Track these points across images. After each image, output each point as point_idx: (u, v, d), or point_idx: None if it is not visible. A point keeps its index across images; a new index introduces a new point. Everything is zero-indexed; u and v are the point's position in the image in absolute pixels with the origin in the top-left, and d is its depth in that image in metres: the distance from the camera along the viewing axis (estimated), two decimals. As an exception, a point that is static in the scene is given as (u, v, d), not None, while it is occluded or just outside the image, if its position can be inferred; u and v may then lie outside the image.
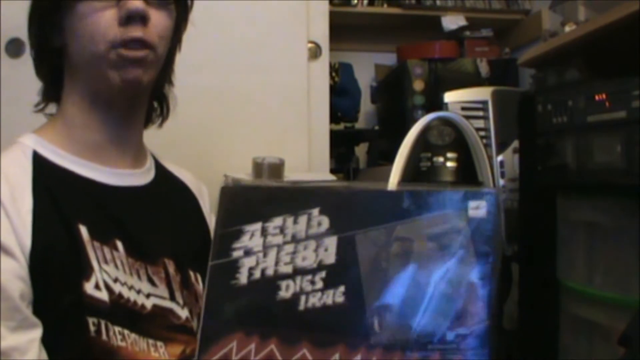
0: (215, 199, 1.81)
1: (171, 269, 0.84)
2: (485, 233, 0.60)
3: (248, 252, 0.61)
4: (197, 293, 0.88)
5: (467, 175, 1.52)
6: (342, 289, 0.60)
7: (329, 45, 1.77)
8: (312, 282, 0.60)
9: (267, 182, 0.66)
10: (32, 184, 0.74)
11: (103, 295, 0.74)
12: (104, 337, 0.73)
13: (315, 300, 0.60)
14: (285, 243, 0.61)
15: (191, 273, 0.89)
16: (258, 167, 1.60)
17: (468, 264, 0.60)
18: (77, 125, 0.82)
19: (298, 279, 0.61)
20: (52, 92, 0.85)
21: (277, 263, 0.61)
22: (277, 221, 0.62)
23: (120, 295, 0.76)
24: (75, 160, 0.80)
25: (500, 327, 1.60)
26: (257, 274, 0.61)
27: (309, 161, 1.74)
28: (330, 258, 0.61)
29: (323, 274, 0.61)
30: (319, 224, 0.61)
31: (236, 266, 0.61)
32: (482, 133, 1.82)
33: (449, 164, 1.51)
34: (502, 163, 1.82)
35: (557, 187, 1.31)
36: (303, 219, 0.61)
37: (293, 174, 1.62)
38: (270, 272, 0.61)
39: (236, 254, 0.61)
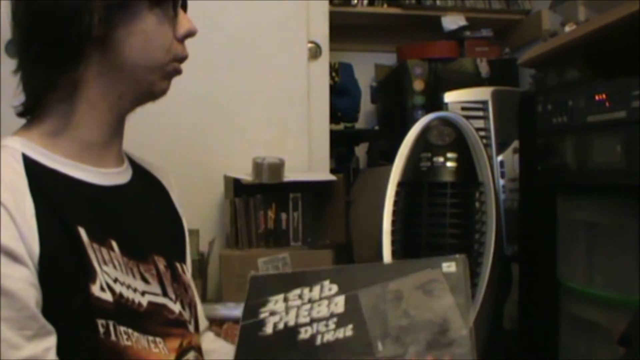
0: (216, 197, 1.80)
1: (161, 265, 0.86)
2: (456, 283, 0.78)
3: (273, 313, 0.76)
4: (186, 283, 0.90)
5: (467, 175, 1.52)
6: (350, 326, 0.75)
7: (329, 45, 1.77)
8: (327, 325, 0.75)
9: (287, 271, 0.78)
10: (29, 188, 0.73)
11: (108, 296, 0.74)
12: (113, 337, 0.74)
13: (329, 337, 0.75)
14: (303, 304, 0.77)
15: (177, 265, 0.90)
16: (258, 167, 1.60)
17: (446, 301, 0.77)
18: (80, 124, 0.81)
19: (315, 324, 0.75)
20: (68, 87, 0.79)
21: (297, 317, 0.76)
22: (296, 291, 0.78)
23: (121, 295, 0.76)
24: (64, 161, 0.79)
25: (500, 327, 1.60)
26: (280, 326, 0.76)
27: (309, 161, 1.75)
28: (339, 309, 0.76)
29: (335, 319, 0.76)
30: (330, 289, 0.78)
31: (263, 323, 0.76)
32: (482, 133, 1.82)
33: (449, 164, 1.51)
34: (502, 163, 1.82)
35: (557, 187, 1.31)
36: (317, 288, 0.78)
37: (293, 174, 1.62)
38: (291, 323, 0.76)
39: (263, 315, 0.76)
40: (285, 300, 0.77)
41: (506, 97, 1.89)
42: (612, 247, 1.18)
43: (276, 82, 1.71)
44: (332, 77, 2.08)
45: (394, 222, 1.52)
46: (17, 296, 0.67)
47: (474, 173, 1.52)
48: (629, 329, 0.89)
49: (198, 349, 0.88)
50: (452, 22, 2.27)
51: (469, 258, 1.52)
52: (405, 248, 1.51)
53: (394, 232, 1.52)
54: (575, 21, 1.47)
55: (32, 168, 0.76)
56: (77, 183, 0.80)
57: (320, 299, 0.77)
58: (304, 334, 0.74)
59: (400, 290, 0.78)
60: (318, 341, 0.74)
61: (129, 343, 0.75)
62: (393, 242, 1.53)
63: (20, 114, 0.82)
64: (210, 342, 1.02)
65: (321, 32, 1.77)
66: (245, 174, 1.61)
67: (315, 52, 1.76)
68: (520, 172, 1.52)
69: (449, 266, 0.81)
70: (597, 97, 1.13)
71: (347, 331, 0.75)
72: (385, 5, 2.31)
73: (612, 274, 1.16)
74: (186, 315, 0.87)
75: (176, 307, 0.85)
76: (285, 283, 0.79)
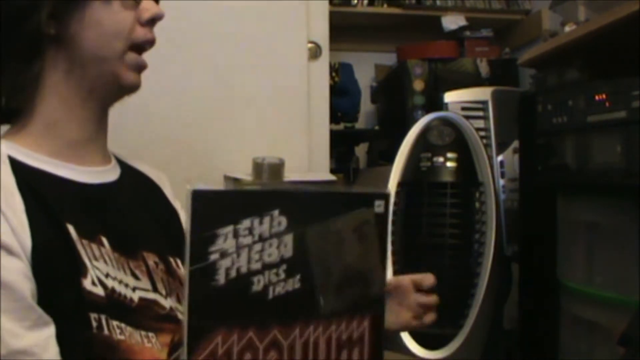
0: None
1: (151, 261, 0.86)
2: (383, 224, 0.77)
3: (224, 254, 0.67)
4: (181, 278, 0.90)
5: (467, 175, 1.52)
6: (298, 277, 0.71)
7: (329, 45, 1.77)
8: (277, 274, 0.70)
9: (234, 187, 0.71)
10: (17, 187, 0.74)
11: (99, 290, 0.75)
12: (106, 332, 0.74)
13: (280, 289, 0.70)
14: (254, 243, 0.69)
15: (172, 260, 0.90)
16: (258, 167, 1.60)
17: (375, 247, 0.76)
18: (58, 122, 0.81)
19: (266, 273, 0.69)
20: (32, 87, 0.81)
21: (249, 261, 0.69)
22: (246, 223, 0.69)
23: (113, 290, 0.77)
24: (50, 161, 0.80)
25: (500, 327, 1.60)
26: (233, 273, 0.67)
27: (309, 161, 1.74)
28: (288, 252, 0.71)
29: (284, 266, 0.70)
30: (279, 223, 0.71)
31: (214, 268, 0.67)
32: (482, 133, 1.82)
33: (449, 164, 1.52)
34: (502, 163, 1.82)
35: (557, 187, 1.31)
36: (267, 220, 0.70)
37: (293, 174, 1.62)
38: (244, 270, 0.68)
39: (213, 257, 0.67)
40: (236, 235, 0.68)
41: (506, 97, 1.89)
42: (612, 247, 1.18)
43: (276, 82, 1.71)
44: (332, 77, 2.08)
45: (394, 222, 1.52)
46: (14, 287, 0.68)
47: (474, 173, 1.52)
48: (629, 329, 0.89)
49: None
50: (452, 22, 2.27)
51: (469, 258, 1.52)
52: (406, 248, 1.51)
53: (394, 232, 1.52)
54: (575, 21, 1.47)
55: (19, 169, 0.76)
56: (63, 181, 0.80)
57: (270, 236, 0.70)
58: (257, 285, 0.69)
59: (342, 232, 0.75)
60: (270, 294, 0.69)
61: (122, 337, 0.75)
62: (393, 243, 1.53)
63: None
64: None
65: (321, 32, 1.76)
66: (245, 174, 1.61)
67: (315, 52, 1.75)
68: (520, 172, 1.52)
69: (379, 206, 0.79)
70: (597, 97, 1.13)
71: (296, 283, 0.71)
72: (385, 5, 2.30)
73: (612, 274, 1.16)
74: (181, 308, 0.87)
75: (167, 303, 0.85)
76: (233, 208, 0.69)
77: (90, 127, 0.84)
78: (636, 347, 0.86)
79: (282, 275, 0.70)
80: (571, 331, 1.27)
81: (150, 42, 0.85)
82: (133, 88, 0.85)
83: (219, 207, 0.68)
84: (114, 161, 0.91)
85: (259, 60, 1.70)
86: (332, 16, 1.81)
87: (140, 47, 0.84)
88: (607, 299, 1.14)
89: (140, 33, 0.83)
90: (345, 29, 2.14)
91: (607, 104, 1.11)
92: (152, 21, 0.84)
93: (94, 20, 0.79)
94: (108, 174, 0.88)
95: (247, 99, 1.70)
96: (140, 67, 0.85)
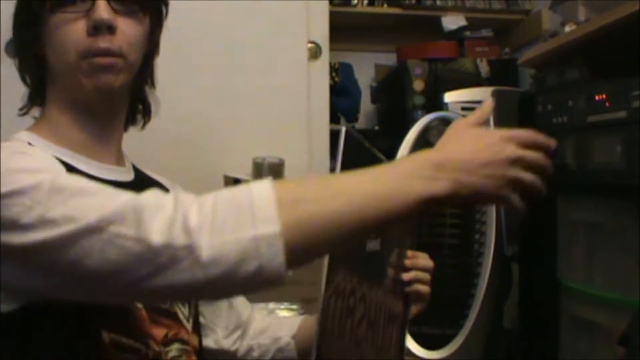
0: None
1: None
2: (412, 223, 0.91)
3: None
4: None
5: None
6: (378, 240, 0.80)
7: (329, 45, 1.77)
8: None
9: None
10: None
11: None
12: None
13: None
14: None
15: None
16: (258, 167, 1.60)
17: (407, 241, 0.90)
18: (62, 125, 0.85)
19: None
20: (36, 97, 0.89)
21: None
22: None
23: None
24: (66, 152, 0.83)
25: (500, 327, 1.60)
26: None
27: (309, 161, 1.75)
28: None
29: None
30: None
31: None
32: (482, 133, 1.81)
33: (449, 164, 1.51)
34: (502, 163, 1.82)
35: (557, 187, 1.31)
36: None
37: (293, 174, 1.62)
38: None
39: None
40: None
41: (506, 97, 1.88)
42: (612, 247, 1.18)
43: (276, 82, 1.71)
44: (332, 77, 2.07)
45: (394, 222, 1.52)
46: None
47: (474, 173, 1.51)
48: (629, 329, 0.89)
49: (185, 343, 0.89)
50: (452, 22, 2.27)
51: (469, 258, 1.52)
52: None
53: (394, 232, 1.52)
54: (575, 21, 1.47)
55: None
56: (76, 171, 0.82)
57: None
58: (372, 244, 0.78)
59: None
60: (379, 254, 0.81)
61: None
62: (393, 242, 1.53)
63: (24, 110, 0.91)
64: (261, 320, 1.05)
65: (321, 32, 1.76)
66: (245, 174, 1.61)
67: (315, 52, 1.76)
68: (520, 172, 1.52)
69: None
70: (597, 97, 1.13)
71: (376, 245, 0.80)
72: (385, 5, 2.30)
73: (612, 274, 1.16)
74: (184, 311, 0.89)
75: None
76: (357, 161, 0.75)
77: (90, 129, 0.86)
78: (636, 347, 0.86)
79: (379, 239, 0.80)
80: (571, 331, 1.27)
81: (99, 52, 0.80)
82: (100, 91, 0.82)
83: (354, 154, 0.77)
84: (129, 165, 0.93)
85: (259, 60, 1.70)
86: (332, 16, 1.81)
87: (91, 55, 0.80)
88: (607, 299, 1.14)
89: (85, 44, 0.79)
90: (345, 29, 2.14)
91: (607, 104, 1.11)
92: (96, 29, 0.79)
93: (51, 37, 0.82)
94: (122, 173, 0.89)
95: (247, 99, 1.70)
96: (99, 70, 0.81)
